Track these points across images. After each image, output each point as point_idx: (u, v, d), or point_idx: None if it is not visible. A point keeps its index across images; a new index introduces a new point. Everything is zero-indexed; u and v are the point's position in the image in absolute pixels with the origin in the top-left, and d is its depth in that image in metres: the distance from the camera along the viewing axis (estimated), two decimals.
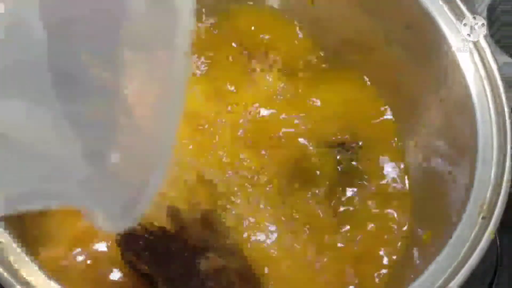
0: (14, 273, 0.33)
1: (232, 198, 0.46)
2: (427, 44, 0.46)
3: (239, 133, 0.50)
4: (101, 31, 0.25)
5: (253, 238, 0.45)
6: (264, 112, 0.51)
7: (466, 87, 0.43)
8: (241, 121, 0.51)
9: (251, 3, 0.56)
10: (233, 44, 0.55)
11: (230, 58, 0.54)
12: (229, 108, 0.51)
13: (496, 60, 0.43)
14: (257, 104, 0.51)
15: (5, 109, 0.23)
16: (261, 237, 0.45)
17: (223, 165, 0.48)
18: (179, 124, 0.26)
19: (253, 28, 0.55)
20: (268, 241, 0.45)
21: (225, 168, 0.48)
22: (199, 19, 0.54)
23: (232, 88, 0.52)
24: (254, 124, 0.51)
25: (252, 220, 0.46)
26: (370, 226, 0.47)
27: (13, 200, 0.25)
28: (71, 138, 0.24)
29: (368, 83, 0.53)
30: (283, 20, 0.56)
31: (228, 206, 0.46)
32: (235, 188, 0.47)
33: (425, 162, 0.48)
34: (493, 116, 0.41)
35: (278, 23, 0.56)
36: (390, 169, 0.50)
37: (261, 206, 0.47)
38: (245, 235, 0.45)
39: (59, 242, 0.43)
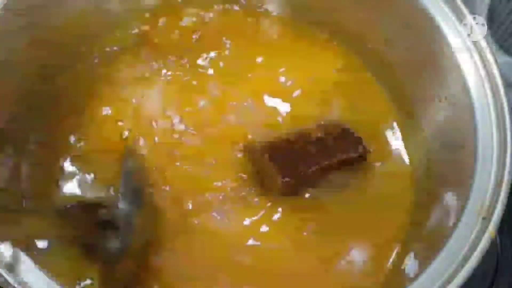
0: (15, 275, 0.33)
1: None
2: (427, 44, 0.46)
3: None
4: None
5: None
6: None
7: (465, 86, 0.43)
8: None
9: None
10: None
11: None
12: None
13: (496, 60, 0.43)
14: None
15: None
16: None
17: None
18: None
19: None
20: None
21: None
22: None
23: None
24: None
25: None
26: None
27: None
28: None
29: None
30: None
31: None
32: None
33: (425, 161, 0.48)
34: (492, 115, 0.41)
35: None
36: (389, 169, 0.50)
37: None
38: None
39: None
